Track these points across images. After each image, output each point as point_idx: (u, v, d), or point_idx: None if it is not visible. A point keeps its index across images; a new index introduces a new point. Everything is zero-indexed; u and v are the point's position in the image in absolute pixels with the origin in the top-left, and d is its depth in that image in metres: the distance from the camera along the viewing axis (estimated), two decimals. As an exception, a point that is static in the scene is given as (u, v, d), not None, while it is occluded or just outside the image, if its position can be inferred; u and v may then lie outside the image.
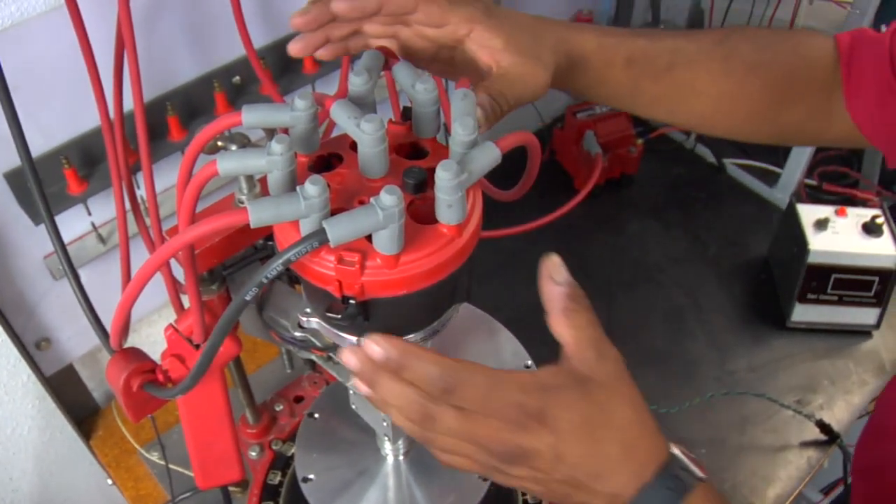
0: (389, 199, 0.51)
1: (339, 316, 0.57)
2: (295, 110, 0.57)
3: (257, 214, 0.52)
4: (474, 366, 0.56)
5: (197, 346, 0.71)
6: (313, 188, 0.51)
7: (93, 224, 1.03)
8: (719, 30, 0.89)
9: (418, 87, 0.61)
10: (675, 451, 0.59)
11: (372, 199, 0.51)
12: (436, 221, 0.56)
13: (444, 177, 0.52)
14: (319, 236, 0.51)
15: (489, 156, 0.57)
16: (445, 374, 0.55)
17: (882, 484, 0.71)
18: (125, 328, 0.66)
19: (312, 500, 0.85)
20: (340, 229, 0.51)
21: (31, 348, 1.09)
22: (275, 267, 0.52)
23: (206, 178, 0.56)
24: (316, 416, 0.94)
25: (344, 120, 0.57)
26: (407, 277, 0.55)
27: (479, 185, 0.60)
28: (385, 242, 0.53)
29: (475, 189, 0.59)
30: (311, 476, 0.87)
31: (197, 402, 0.73)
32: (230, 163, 0.55)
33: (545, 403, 0.56)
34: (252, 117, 0.57)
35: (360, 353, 0.57)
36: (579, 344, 0.59)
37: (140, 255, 0.72)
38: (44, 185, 0.69)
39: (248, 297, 0.54)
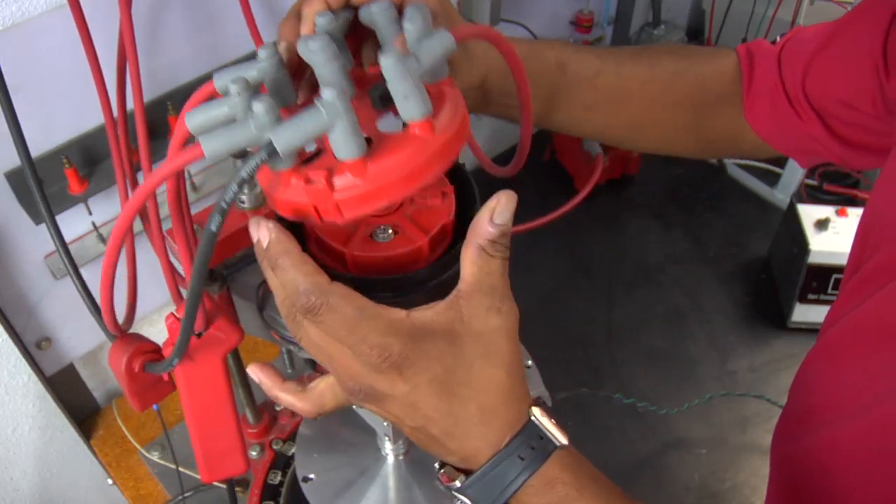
0: (329, 93, 0.48)
1: (339, 316, 0.57)
2: (260, 61, 0.55)
3: (210, 144, 0.50)
4: (345, 293, 0.53)
5: (199, 335, 0.71)
6: (260, 106, 0.49)
7: (93, 224, 1.03)
8: (637, 46, 0.92)
9: (374, 9, 0.59)
10: (536, 417, 0.57)
11: (315, 99, 0.49)
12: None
13: (387, 63, 0.49)
14: (268, 147, 0.48)
15: (441, 42, 0.53)
16: (312, 290, 0.53)
17: (796, 474, 0.71)
18: (128, 312, 0.65)
19: (313, 500, 0.85)
20: (286, 135, 0.49)
21: (32, 348, 1.09)
22: (232, 188, 0.49)
23: (187, 162, 0.54)
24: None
25: (302, 51, 0.53)
26: (382, 187, 0.51)
27: (476, 150, 0.58)
28: (341, 144, 0.50)
29: (454, 92, 0.56)
30: (312, 476, 0.87)
31: (200, 394, 0.72)
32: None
33: (409, 351, 0.54)
34: (222, 79, 0.55)
35: (260, 231, 0.55)
36: (476, 286, 0.56)
37: (142, 257, 0.73)
38: (44, 185, 0.68)
39: (213, 228, 0.51)
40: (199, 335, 0.71)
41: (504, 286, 0.57)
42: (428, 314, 0.55)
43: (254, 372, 0.64)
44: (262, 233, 0.55)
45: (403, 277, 0.56)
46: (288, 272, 0.54)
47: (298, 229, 0.61)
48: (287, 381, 0.64)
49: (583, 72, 0.86)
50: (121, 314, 0.69)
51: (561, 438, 0.56)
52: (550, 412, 0.57)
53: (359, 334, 0.53)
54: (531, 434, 0.56)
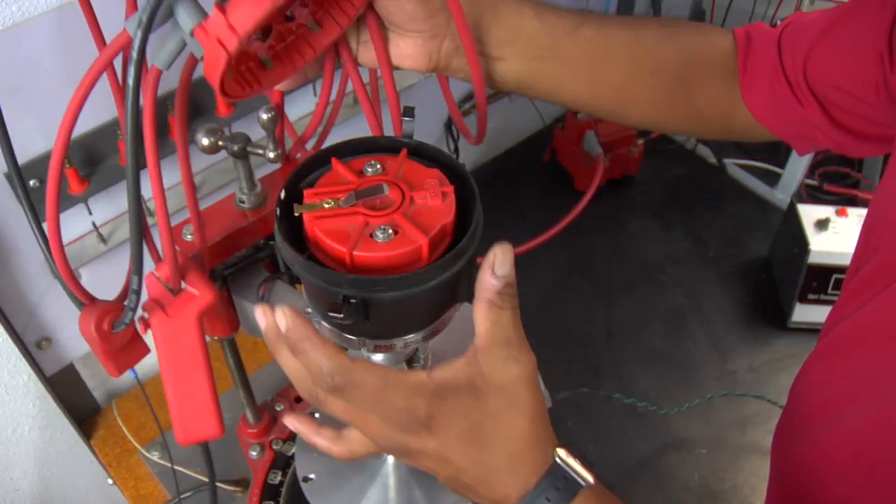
0: None
1: (341, 315, 0.57)
2: None
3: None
4: (367, 367, 0.56)
5: (174, 292, 0.71)
6: None
7: (93, 224, 1.03)
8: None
9: None
10: (561, 458, 0.59)
11: None
12: None
13: None
14: None
15: None
16: (336, 372, 0.56)
17: (795, 476, 0.72)
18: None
19: (313, 500, 0.85)
20: None
21: (32, 348, 1.09)
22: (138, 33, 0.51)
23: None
24: (317, 415, 0.94)
25: None
26: None
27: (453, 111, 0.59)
28: None
29: None
30: (312, 476, 0.87)
31: (175, 352, 0.73)
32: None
33: (435, 409, 0.57)
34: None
35: (269, 318, 0.58)
36: (491, 340, 0.58)
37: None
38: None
39: (130, 82, 0.53)
40: (175, 292, 0.72)
41: (518, 336, 0.59)
42: (448, 372, 0.58)
43: (290, 422, 0.68)
44: (280, 319, 0.57)
45: (404, 277, 0.57)
46: (310, 355, 0.56)
47: (298, 233, 0.61)
48: (323, 427, 0.67)
49: (562, 23, 0.82)
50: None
51: (587, 477, 0.58)
52: (572, 451, 0.60)
53: (386, 402, 0.56)
54: (557, 475, 0.58)
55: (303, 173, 0.64)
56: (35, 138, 0.91)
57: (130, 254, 0.64)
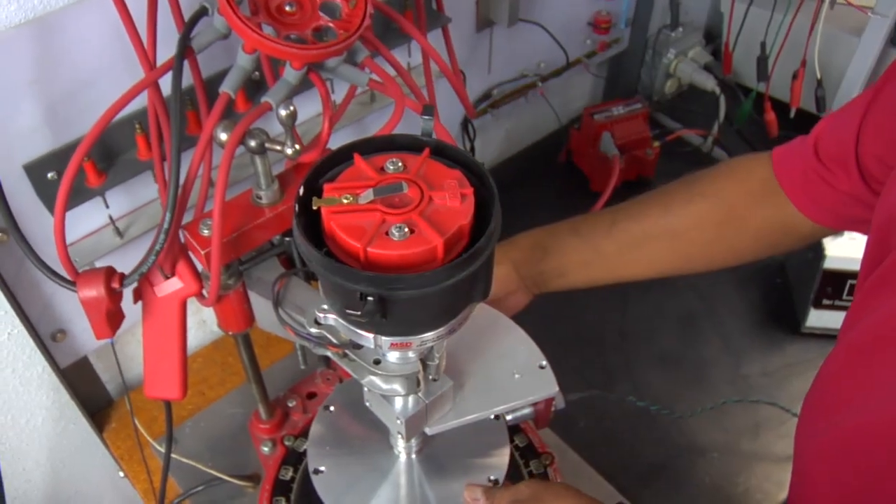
0: None
1: (359, 313, 0.57)
2: None
3: None
4: None
5: (167, 276, 0.80)
6: None
7: (110, 217, 1.03)
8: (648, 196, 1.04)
9: None
10: None
11: None
12: None
13: None
14: None
15: None
16: None
17: (815, 469, 0.72)
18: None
19: (322, 493, 0.85)
20: None
21: (47, 340, 1.10)
22: None
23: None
24: (331, 409, 0.94)
25: None
26: None
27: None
28: None
29: None
30: (322, 468, 0.88)
31: (157, 325, 0.82)
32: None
33: None
34: None
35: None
36: None
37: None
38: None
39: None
40: (167, 277, 0.79)
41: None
42: None
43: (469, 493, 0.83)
44: None
45: (422, 276, 0.57)
46: None
47: (317, 229, 0.61)
48: None
49: (597, 229, 0.98)
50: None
51: None
52: None
53: None
54: None
55: (322, 170, 0.64)
56: (56, 131, 0.92)
57: (168, 195, 0.70)
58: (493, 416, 0.85)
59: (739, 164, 0.97)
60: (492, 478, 0.85)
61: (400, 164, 0.62)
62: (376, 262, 0.58)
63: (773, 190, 0.91)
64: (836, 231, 0.91)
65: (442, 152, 0.65)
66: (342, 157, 0.65)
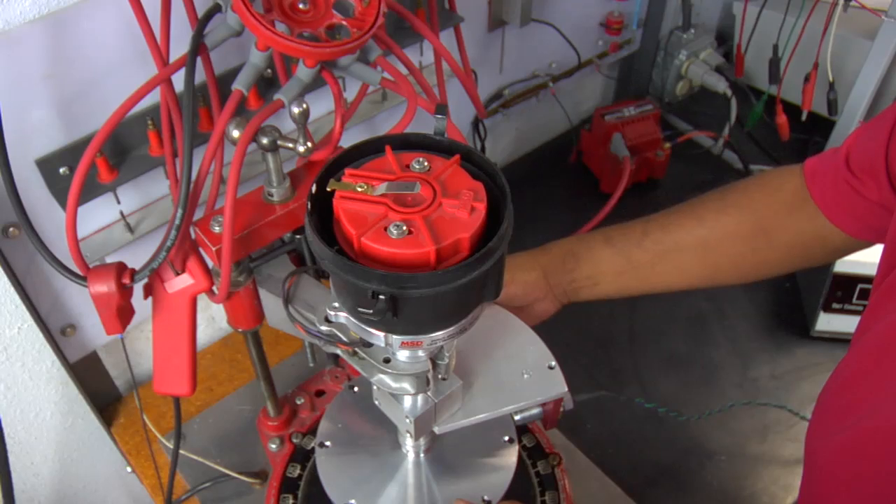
0: None
1: (370, 311, 0.57)
2: None
3: None
4: None
5: (177, 273, 0.80)
6: None
7: (121, 213, 1.03)
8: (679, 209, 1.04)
9: None
10: None
11: None
12: None
13: None
14: None
15: None
16: None
17: (825, 471, 0.72)
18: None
19: (321, 465, 0.87)
20: None
21: (57, 334, 1.10)
22: None
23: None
24: (356, 389, 0.95)
25: None
26: None
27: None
28: None
29: None
30: (328, 443, 0.90)
31: (167, 321, 0.83)
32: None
33: None
34: None
35: None
36: None
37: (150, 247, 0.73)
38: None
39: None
40: (178, 273, 0.79)
41: None
42: None
43: None
44: None
45: (433, 275, 0.56)
46: None
47: (329, 227, 0.61)
48: None
49: (629, 238, 0.99)
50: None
51: None
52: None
53: None
54: None
55: (334, 168, 0.64)
56: (68, 127, 0.92)
57: (180, 191, 0.71)
58: (505, 438, 0.90)
59: (772, 175, 0.97)
60: (486, 498, 0.85)
61: (426, 164, 0.62)
62: (368, 253, 0.58)
63: (804, 201, 0.91)
64: (868, 244, 0.90)
65: (468, 158, 0.64)
66: (353, 156, 0.65)
